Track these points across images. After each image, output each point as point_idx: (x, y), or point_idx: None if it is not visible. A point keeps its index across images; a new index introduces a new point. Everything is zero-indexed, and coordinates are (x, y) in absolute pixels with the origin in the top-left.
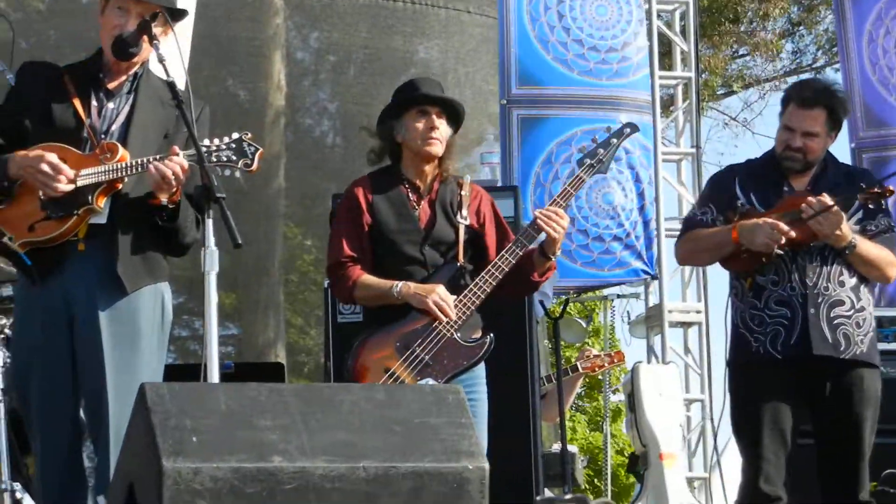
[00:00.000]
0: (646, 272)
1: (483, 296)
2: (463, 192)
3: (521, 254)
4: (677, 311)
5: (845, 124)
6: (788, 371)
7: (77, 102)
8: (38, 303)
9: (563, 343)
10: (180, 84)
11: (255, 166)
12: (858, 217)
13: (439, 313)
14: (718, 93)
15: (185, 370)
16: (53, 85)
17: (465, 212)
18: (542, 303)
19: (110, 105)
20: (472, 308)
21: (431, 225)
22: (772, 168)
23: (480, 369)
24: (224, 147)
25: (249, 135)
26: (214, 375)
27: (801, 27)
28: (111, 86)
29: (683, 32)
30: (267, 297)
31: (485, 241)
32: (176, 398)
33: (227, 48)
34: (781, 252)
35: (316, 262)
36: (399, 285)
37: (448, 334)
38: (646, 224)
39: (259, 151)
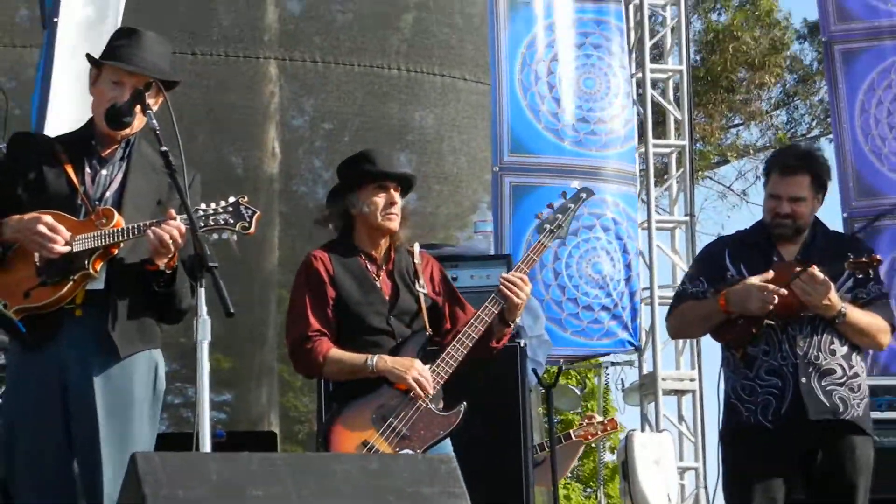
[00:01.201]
0: (631, 343)
1: (455, 364)
2: (416, 261)
3: (488, 321)
4: (671, 379)
5: (838, 194)
6: (780, 440)
7: (70, 170)
8: (31, 370)
9: (558, 411)
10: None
11: (252, 229)
12: (849, 286)
13: (419, 390)
14: (713, 161)
15: (177, 439)
16: (45, 154)
17: (421, 280)
18: (535, 371)
19: (104, 172)
20: (445, 378)
21: (396, 296)
22: (762, 238)
23: (447, 440)
24: (221, 210)
25: (246, 198)
26: (206, 445)
27: (795, 98)
28: (104, 153)
29: (677, 101)
30: (261, 364)
31: (441, 308)
32: (167, 468)
33: (221, 116)
34: (772, 323)
35: None
36: (374, 359)
37: (423, 405)
38: (632, 295)
39: (257, 214)
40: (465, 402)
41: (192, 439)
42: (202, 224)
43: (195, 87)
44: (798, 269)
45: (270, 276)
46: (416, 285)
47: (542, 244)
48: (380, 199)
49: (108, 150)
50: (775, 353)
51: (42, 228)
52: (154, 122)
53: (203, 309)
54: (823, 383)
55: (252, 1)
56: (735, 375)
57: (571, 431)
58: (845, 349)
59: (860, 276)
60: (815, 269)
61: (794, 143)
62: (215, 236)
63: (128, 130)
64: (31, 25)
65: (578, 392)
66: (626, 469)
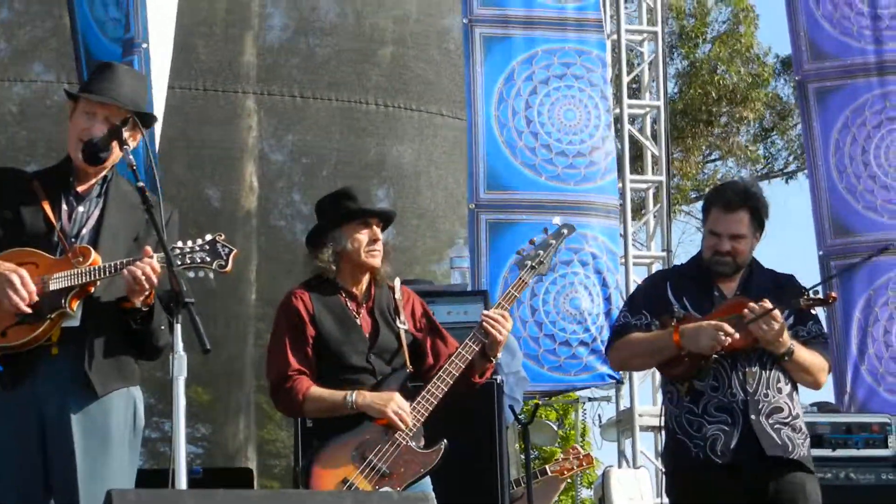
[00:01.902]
0: (611, 377)
1: (435, 402)
2: (397, 297)
3: (469, 358)
4: (648, 415)
5: (813, 232)
6: (729, 476)
7: (47, 207)
8: (6, 408)
9: (536, 446)
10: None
11: (228, 267)
12: (790, 323)
13: (399, 423)
14: (690, 196)
15: (153, 475)
16: (22, 190)
17: (402, 316)
18: (511, 408)
19: (80, 209)
20: (425, 414)
21: (376, 334)
22: (700, 273)
23: (426, 478)
24: (198, 248)
25: (223, 236)
26: (182, 481)
27: (773, 132)
28: (81, 189)
29: (654, 136)
30: (238, 399)
31: (422, 344)
32: None
33: (199, 150)
34: (719, 357)
35: None
36: (353, 395)
37: (403, 442)
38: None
39: (233, 252)
40: (445, 440)
41: (168, 475)
42: (178, 262)
43: (173, 121)
44: (753, 304)
45: (248, 310)
46: (397, 321)
47: (523, 280)
48: (363, 236)
49: (85, 186)
50: (724, 390)
51: (14, 279)
52: (131, 157)
53: (179, 345)
54: (771, 421)
55: (230, 35)
56: (679, 411)
57: (547, 467)
58: (788, 387)
59: (803, 313)
60: (776, 311)
61: (733, 180)
62: (191, 274)
63: (104, 166)
64: (10, 60)
65: (555, 427)
66: None
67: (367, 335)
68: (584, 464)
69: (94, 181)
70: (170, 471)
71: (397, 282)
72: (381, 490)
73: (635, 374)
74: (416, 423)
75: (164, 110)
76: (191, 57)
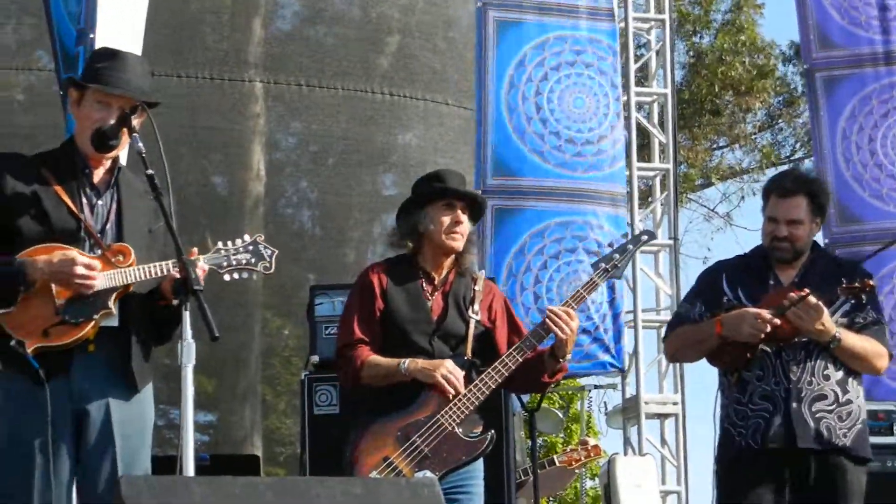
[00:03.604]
0: (613, 365)
1: (487, 392)
2: (476, 288)
3: (527, 354)
4: (654, 403)
5: None
6: (771, 463)
7: (67, 199)
8: (38, 402)
9: (541, 433)
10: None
11: (273, 269)
12: (846, 310)
13: (447, 386)
14: (697, 184)
15: (161, 462)
16: (34, 178)
17: (476, 307)
18: (518, 395)
19: (100, 202)
20: (476, 403)
21: (443, 317)
22: (760, 261)
23: (479, 464)
24: (242, 250)
25: (262, 237)
26: (190, 468)
27: (780, 120)
28: (96, 180)
29: (662, 124)
30: (245, 387)
31: (495, 338)
32: (151, 491)
33: (205, 138)
34: (767, 349)
35: (295, 349)
36: (406, 362)
37: (449, 427)
38: (615, 317)
39: (275, 253)
40: (492, 431)
41: (175, 462)
42: (225, 264)
43: (180, 109)
44: (793, 295)
45: (254, 298)
46: (470, 311)
47: (595, 283)
48: (446, 218)
49: (99, 178)
50: (769, 378)
51: (80, 270)
52: (140, 144)
53: (188, 333)
54: (814, 409)
55: (238, 23)
56: (729, 400)
57: (555, 457)
58: (840, 374)
59: (854, 301)
60: (810, 296)
61: (792, 167)
62: (236, 276)
63: (113, 154)
64: (18, 47)
65: (560, 415)
66: (608, 493)
67: (435, 318)
68: (593, 454)
69: (104, 170)
70: (177, 457)
71: (482, 274)
72: (420, 474)
73: (641, 362)
74: (465, 411)
75: (167, 97)
76: (198, 45)
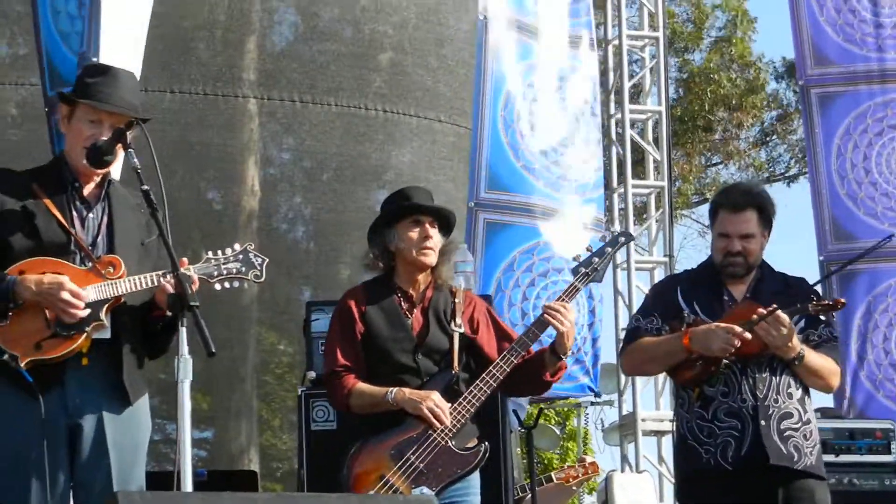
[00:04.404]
0: (591, 389)
1: (478, 403)
2: (456, 300)
3: (515, 361)
4: (651, 420)
5: (814, 237)
6: (740, 483)
7: (57, 213)
8: (33, 416)
9: (537, 450)
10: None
11: (263, 277)
12: (801, 326)
13: (434, 420)
14: (692, 200)
15: (158, 477)
16: (24, 193)
17: (458, 320)
18: (515, 412)
19: (90, 215)
20: (468, 416)
21: (425, 333)
22: (711, 276)
23: (475, 478)
24: (232, 259)
25: (253, 245)
26: (188, 484)
27: (774, 136)
28: (86, 194)
29: (656, 141)
30: (240, 402)
31: (481, 347)
32: None
33: (200, 153)
34: (730, 363)
35: (290, 365)
36: (393, 391)
37: (443, 442)
38: (594, 341)
39: (266, 262)
40: (486, 443)
41: (173, 478)
42: (215, 273)
43: (174, 125)
44: (762, 310)
45: (248, 313)
46: (452, 324)
47: (576, 287)
48: (414, 234)
49: (90, 191)
50: (735, 395)
51: (66, 296)
52: (135, 160)
53: (184, 348)
54: (782, 427)
55: (231, 40)
56: (690, 416)
57: (553, 474)
58: (800, 392)
59: (814, 318)
60: (781, 312)
61: (737, 182)
62: (227, 285)
63: (107, 169)
64: (12, 62)
65: (558, 432)
66: None
67: (416, 334)
68: (590, 471)
69: (95, 185)
70: (174, 473)
71: (461, 285)
72: (417, 491)
73: (638, 379)
74: (458, 424)
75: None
76: (191, 60)
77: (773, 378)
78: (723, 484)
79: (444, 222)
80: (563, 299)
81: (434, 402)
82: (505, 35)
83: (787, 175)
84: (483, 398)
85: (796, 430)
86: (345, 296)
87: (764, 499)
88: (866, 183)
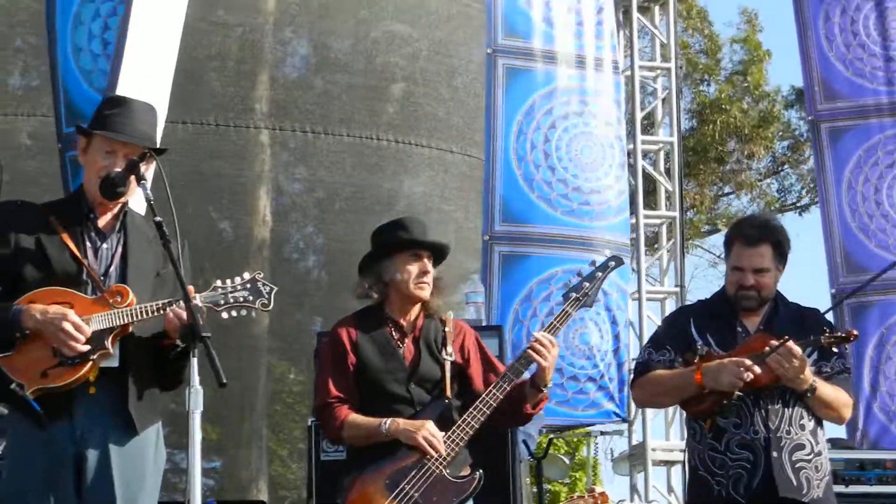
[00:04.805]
0: (617, 415)
1: (472, 432)
2: (447, 329)
3: (507, 388)
4: (661, 450)
5: (826, 269)
6: None
7: (70, 243)
8: (40, 446)
9: (547, 480)
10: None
11: (271, 306)
12: (814, 358)
13: (429, 449)
14: (703, 230)
15: None
16: (40, 225)
17: (449, 348)
18: (525, 443)
19: (105, 246)
20: (462, 444)
21: (416, 363)
22: (725, 308)
23: None
24: (240, 287)
25: (262, 274)
26: None
27: (785, 166)
28: (101, 224)
29: (668, 172)
30: (250, 432)
31: (470, 376)
32: None
33: (212, 184)
34: (742, 394)
35: (300, 395)
36: (388, 422)
37: (437, 471)
38: (619, 366)
39: (274, 290)
40: (480, 471)
41: None
42: (222, 302)
43: (186, 155)
44: (774, 342)
45: (259, 343)
46: (444, 353)
47: (567, 312)
48: (413, 268)
49: (105, 222)
50: (747, 427)
51: (68, 327)
52: (148, 192)
53: (195, 379)
54: (794, 458)
55: (243, 71)
56: (702, 447)
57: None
58: (812, 424)
59: (826, 350)
60: (793, 344)
61: (752, 214)
62: (234, 314)
63: (121, 200)
64: (25, 93)
65: (567, 461)
66: None
67: (409, 364)
68: (600, 501)
69: (111, 216)
70: (185, 503)
71: (450, 315)
72: None
73: (648, 409)
74: (452, 452)
75: (173, 143)
76: (204, 92)
77: (786, 410)
78: None
79: (440, 255)
80: (556, 325)
81: (429, 431)
82: (519, 64)
83: (798, 205)
84: (477, 426)
85: (808, 461)
86: (335, 326)
87: None
88: (877, 215)
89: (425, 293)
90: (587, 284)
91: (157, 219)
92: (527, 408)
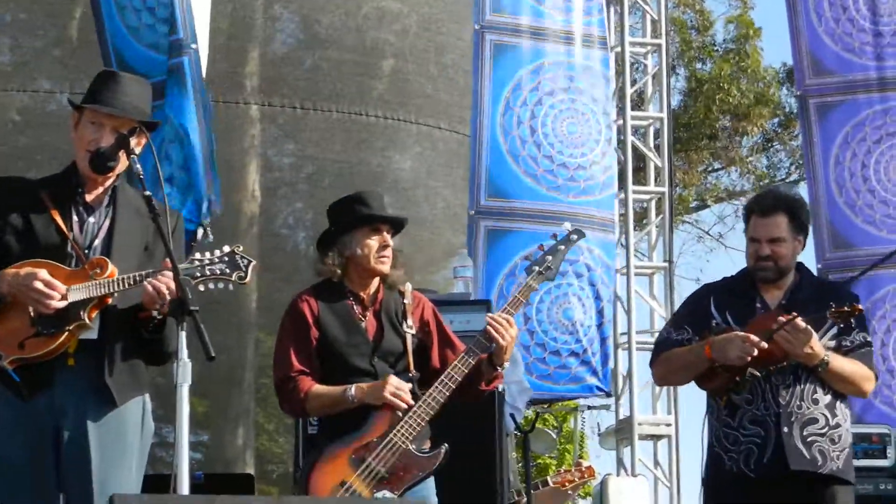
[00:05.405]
0: (600, 388)
1: (437, 406)
2: (406, 301)
3: (473, 363)
4: (647, 424)
5: (812, 245)
6: (762, 490)
7: (57, 217)
8: (23, 419)
9: (534, 454)
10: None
11: (248, 279)
12: (834, 333)
13: (398, 402)
14: (691, 206)
15: (155, 480)
16: (30, 199)
17: (409, 321)
18: (513, 416)
19: (91, 219)
20: (426, 419)
21: (380, 336)
22: (746, 284)
23: (431, 480)
24: (217, 260)
25: (241, 247)
26: (185, 487)
27: (775, 142)
28: (89, 199)
29: (658, 147)
30: (238, 406)
31: (429, 349)
32: None
33: None
34: (756, 373)
35: None
36: (352, 388)
37: (403, 446)
38: (602, 341)
39: (252, 263)
40: (446, 445)
41: (169, 481)
42: (198, 274)
43: None
44: (781, 318)
45: (248, 318)
46: (404, 325)
47: (530, 286)
48: (373, 242)
49: (94, 196)
50: (758, 403)
51: (39, 285)
52: (138, 166)
53: (184, 352)
54: (805, 433)
55: (233, 47)
56: (718, 424)
57: (549, 478)
58: (828, 398)
59: (842, 324)
60: (799, 321)
61: (772, 187)
62: (210, 286)
63: (111, 175)
64: (14, 69)
65: (554, 435)
66: None
67: (372, 338)
68: (587, 475)
69: (101, 190)
70: (172, 476)
71: (408, 287)
72: (380, 495)
73: (635, 383)
74: (417, 427)
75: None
76: None
77: (798, 385)
78: (745, 491)
79: (398, 227)
80: (519, 298)
81: (394, 385)
82: (505, 39)
83: (787, 181)
84: (442, 400)
85: (822, 434)
86: (296, 299)
87: None
88: (864, 191)
89: (386, 267)
90: (549, 258)
91: (147, 193)
92: (482, 385)
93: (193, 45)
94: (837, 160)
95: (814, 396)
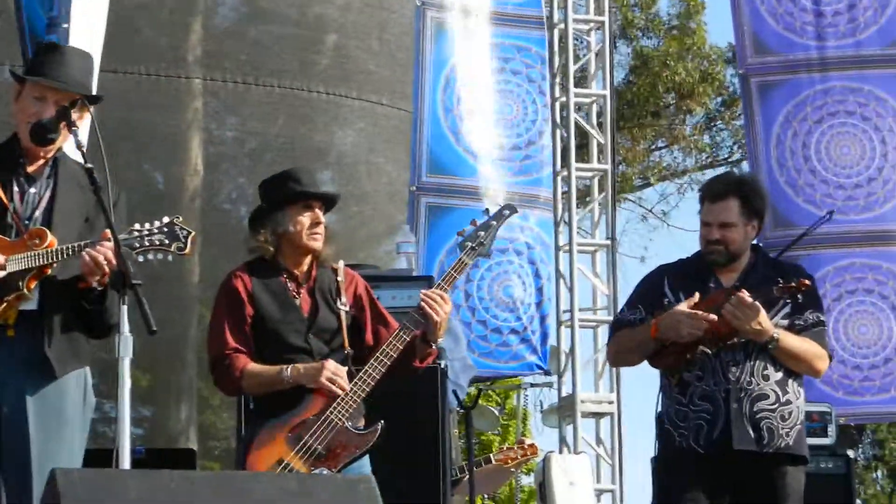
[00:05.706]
0: (540, 367)
1: (373, 383)
2: (339, 278)
3: (407, 339)
4: (590, 402)
5: None
6: (711, 466)
7: None
8: None
9: (478, 431)
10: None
11: (188, 250)
12: (787, 312)
13: (333, 388)
14: (635, 184)
15: (96, 455)
16: None
17: (343, 298)
18: (455, 393)
19: (32, 190)
20: (362, 396)
21: (315, 314)
22: (701, 266)
23: (366, 458)
24: (156, 231)
25: (180, 218)
26: (126, 461)
27: (718, 122)
28: (31, 170)
29: (601, 125)
30: (180, 381)
31: (362, 326)
32: (87, 484)
33: (143, 133)
34: (707, 350)
35: None
36: (288, 369)
37: (340, 423)
38: (542, 319)
39: (192, 235)
40: (382, 421)
41: (111, 455)
42: (137, 245)
43: (118, 105)
44: (728, 293)
45: (191, 293)
46: (338, 303)
47: (463, 262)
48: (305, 219)
49: (35, 167)
50: (708, 379)
51: None
52: (80, 139)
53: (125, 326)
54: (755, 409)
55: (175, 20)
56: (670, 401)
57: (492, 455)
58: (780, 375)
59: (790, 301)
60: (744, 293)
61: (727, 172)
62: (150, 256)
63: (52, 147)
64: None
65: (497, 412)
66: (543, 491)
67: (306, 315)
68: (529, 453)
69: (43, 162)
70: (113, 451)
71: (341, 263)
72: (314, 472)
73: (577, 361)
74: (353, 405)
75: (105, 93)
76: (135, 41)
77: (749, 362)
78: (693, 467)
79: (330, 204)
80: (453, 274)
81: (331, 370)
82: (444, 19)
83: (730, 160)
84: (378, 377)
85: (772, 410)
86: (230, 276)
87: (734, 483)
88: (805, 170)
89: (318, 244)
90: (482, 233)
91: (88, 165)
92: (416, 362)
93: (64, 25)
94: (779, 139)
95: (764, 373)
